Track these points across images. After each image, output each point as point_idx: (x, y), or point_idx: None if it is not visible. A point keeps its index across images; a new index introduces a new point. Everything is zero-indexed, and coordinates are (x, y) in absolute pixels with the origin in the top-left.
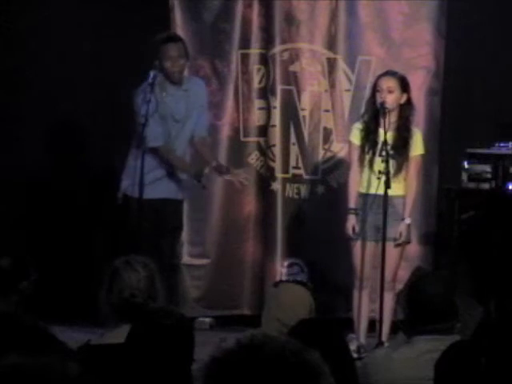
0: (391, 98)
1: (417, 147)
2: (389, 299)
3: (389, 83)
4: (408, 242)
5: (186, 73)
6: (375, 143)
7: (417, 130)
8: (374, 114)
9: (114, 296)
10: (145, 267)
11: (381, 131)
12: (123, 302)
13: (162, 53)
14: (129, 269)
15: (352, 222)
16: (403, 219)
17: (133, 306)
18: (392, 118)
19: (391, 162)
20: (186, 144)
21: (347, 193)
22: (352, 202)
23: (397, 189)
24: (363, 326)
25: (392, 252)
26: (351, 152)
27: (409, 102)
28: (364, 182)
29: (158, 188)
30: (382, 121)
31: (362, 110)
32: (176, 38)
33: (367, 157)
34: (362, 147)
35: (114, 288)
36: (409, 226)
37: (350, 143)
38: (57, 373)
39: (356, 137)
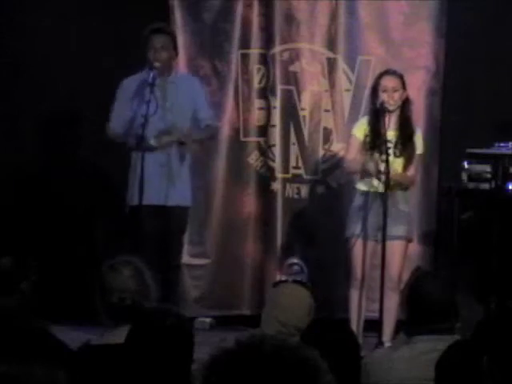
0: (397, 96)
1: (418, 146)
2: (394, 299)
3: (393, 83)
4: None
5: (184, 71)
6: (380, 143)
7: (417, 129)
8: (375, 115)
9: (105, 302)
10: (127, 266)
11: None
12: (114, 307)
13: (148, 43)
14: (111, 272)
15: None
16: None
17: (125, 308)
18: (395, 117)
19: (398, 161)
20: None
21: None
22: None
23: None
24: (362, 325)
25: (396, 251)
26: (352, 143)
27: (408, 99)
28: (366, 180)
29: (161, 194)
30: (384, 120)
31: (363, 110)
32: (163, 30)
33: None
34: (365, 144)
35: (104, 293)
36: None
37: (351, 136)
38: (40, 381)
39: (360, 131)
